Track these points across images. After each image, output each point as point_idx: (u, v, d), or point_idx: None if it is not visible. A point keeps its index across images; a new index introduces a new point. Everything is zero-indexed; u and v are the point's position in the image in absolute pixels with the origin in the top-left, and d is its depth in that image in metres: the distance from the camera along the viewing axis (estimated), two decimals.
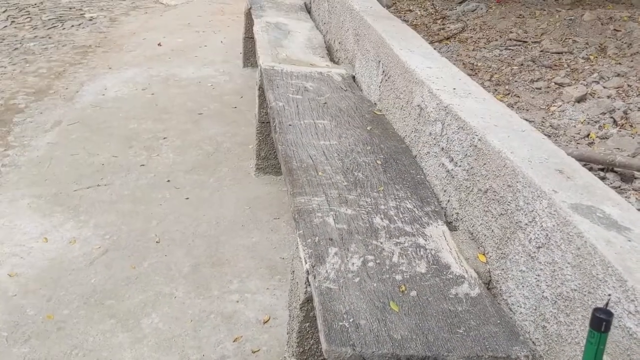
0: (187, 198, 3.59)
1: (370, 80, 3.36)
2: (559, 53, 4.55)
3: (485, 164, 1.94)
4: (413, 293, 1.73)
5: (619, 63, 4.12)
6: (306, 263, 1.81)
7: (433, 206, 2.21)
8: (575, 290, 1.45)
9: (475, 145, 2.00)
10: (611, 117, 3.27)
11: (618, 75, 3.90)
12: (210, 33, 7.18)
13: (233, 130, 4.56)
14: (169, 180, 3.77)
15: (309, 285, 1.79)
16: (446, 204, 2.24)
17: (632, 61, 4.10)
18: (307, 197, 2.17)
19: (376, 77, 3.23)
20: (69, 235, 3.15)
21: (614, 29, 4.84)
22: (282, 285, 2.88)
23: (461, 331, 1.60)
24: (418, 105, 2.55)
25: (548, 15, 5.44)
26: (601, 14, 5.11)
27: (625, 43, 4.47)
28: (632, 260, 1.33)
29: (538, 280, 1.61)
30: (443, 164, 2.27)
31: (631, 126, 3.21)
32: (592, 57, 4.36)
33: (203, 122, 4.67)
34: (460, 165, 2.13)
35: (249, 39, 5.69)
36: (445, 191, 2.26)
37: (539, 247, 1.61)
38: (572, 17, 5.13)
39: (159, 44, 6.54)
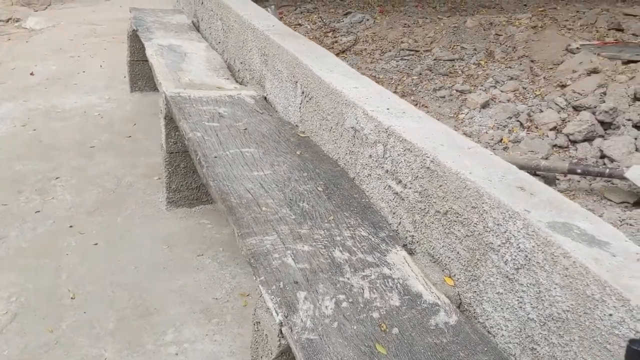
0: (96, 243, 3.27)
1: (286, 102, 3.25)
2: (451, 60, 4.72)
3: (441, 185, 1.91)
4: (395, 330, 1.66)
5: (509, 67, 4.34)
6: (277, 314, 1.67)
7: (387, 231, 2.15)
8: (568, 311, 1.44)
9: (428, 167, 1.97)
10: (517, 121, 3.43)
11: (511, 78, 4.10)
12: (86, 57, 6.71)
13: (132, 161, 4.25)
14: (71, 226, 3.42)
15: (283, 337, 1.65)
16: (397, 227, 2.19)
17: (520, 64, 4.34)
18: (258, 237, 2.02)
19: (294, 99, 3.14)
20: None
21: (496, 34, 5.12)
22: (221, 329, 2.69)
23: None
24: (352, 127, 2.49)
25: (433, 24, 5.65)
26: (482, 19, 5.39)
27: (510, 47, 4.74)
28: (626, 276, 1.34)
29: (521, 302, 1.60)
30: (390, 186, 2.22)
31: (537, 127, 3.37)
32: (482, 63, 4.57)
33: (97, 156, 4.31)
34: (410, 187, 2.09)
35: (136, 62, 5.37)
36: (394, 214, 2.21)
37: (518, 269, 1.60)
38: (457, 25, 5.36)
39: (32, 73, 6.00)
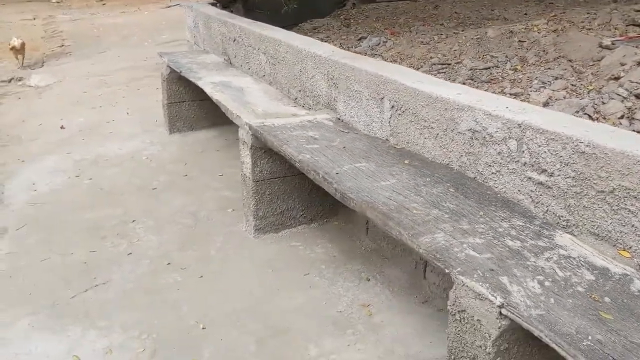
0: (201, 276, 3.32)
1: (369, 119, 3.38)
2: (487, 68, 4.92)
3: (603, 166, 2.05)
4: (606, 299, 1.77)
5: (549, 68, 4.55)
6: (496, 297, 1.77)
7: (538, 220, 2.27)
8: None
9: (583, 152, 2.11)
10: (585, 114, 3.61)
11: (556, 78, 4.31)
12: (108, 107, 6.76)
13: (199, 198, 4.31)
14: (169, 263, 3.45)
15: (504, 318, 1.75)
16: (544, 215, 2.32)
17: (559, 64, 4.55)
18: (429, 236, 2.12)
19: (380, 115, 3.27)
20: (99, 345, 2.75)
21: (519, 41, 5.35)
22: (359, 338, 2.75)
23: None
24: (469, 130, 2.62)
25: (452, 38, 5.87)
26: (502, 29, 5.64)
27: (540, 50, 4.97)
28: None
29: None
30: (530, 178, 2.35)
31: (604, 118, 3.56)
32: (519, 67, 4.78)
33: (163, 196, 4.36)
34: (559, 175, 2.22)
35: (173, 104, 5.45)
36: (538, 203, 2.33)
37: None
38: (479, 36, 5.60)
39: (62, 127, 6.02)
